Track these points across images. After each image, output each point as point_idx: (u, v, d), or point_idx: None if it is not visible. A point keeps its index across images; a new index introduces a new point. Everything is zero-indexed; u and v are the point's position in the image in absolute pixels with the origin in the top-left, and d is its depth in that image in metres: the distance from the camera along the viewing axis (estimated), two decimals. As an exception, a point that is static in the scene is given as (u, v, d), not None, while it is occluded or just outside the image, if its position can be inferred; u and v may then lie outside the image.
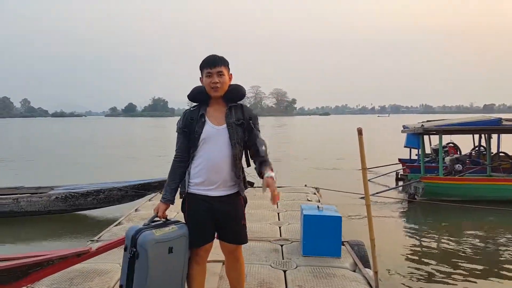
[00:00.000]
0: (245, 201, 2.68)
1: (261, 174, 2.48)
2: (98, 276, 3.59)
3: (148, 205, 6.71)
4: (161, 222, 2.51)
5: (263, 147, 2.56)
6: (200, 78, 2.60)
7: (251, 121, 2.60)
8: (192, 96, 2.65)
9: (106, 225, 5.64)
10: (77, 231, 7.24)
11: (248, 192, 7.67)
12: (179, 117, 2.65)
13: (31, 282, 2.78)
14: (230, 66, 2.62)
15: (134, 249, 2.34)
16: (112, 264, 3.91)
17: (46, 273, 2.73)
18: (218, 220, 2.55)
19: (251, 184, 2.91)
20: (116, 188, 7.88)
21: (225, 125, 2.53)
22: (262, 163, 2.51)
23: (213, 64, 2.52)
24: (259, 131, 2.63)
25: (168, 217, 2.58)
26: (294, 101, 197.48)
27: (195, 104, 2.64)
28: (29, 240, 6.86)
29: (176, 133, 2.61)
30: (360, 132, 3.20)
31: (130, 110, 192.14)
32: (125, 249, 2.41)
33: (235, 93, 2.63)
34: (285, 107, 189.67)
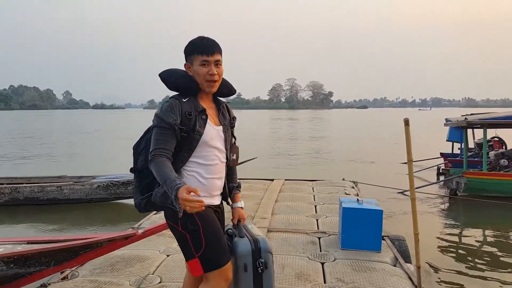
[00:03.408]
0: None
1: (230, 193, 2.30)
2: (138, 262, 3.67)
3: (186, 195, 6.77)
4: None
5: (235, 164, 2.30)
6: (187, 64, 2.11)
7: (235, 121, 2.30)
8: (177, 84, 2.10)
9: (145, 214, 5.75)
10: (118, 218, 7.44)
11: (285, 185, 7.68)
12: (161, 107, 2.06)
13: (82, 262, 2.94)
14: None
15: (262, 260, 2.10)
16: (152, 251, 3.99)
17: (95, 255, 2.86)
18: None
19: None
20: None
21: (221, 127, 2.16)
22: (235, 187, 2.33)
23: (211, 50, 2.05)
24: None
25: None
26: (330, 93, 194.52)
27: (176, 93, 2.13)
28: (72, 226, 7.11)
29: (157, 128, 1.99)
30: (406, 122, 3.10)
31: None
32: (246, 269, 2.09)
33: (226, 89, 2.23)
34: (321, 100, 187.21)
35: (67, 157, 16.95)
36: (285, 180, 7.87)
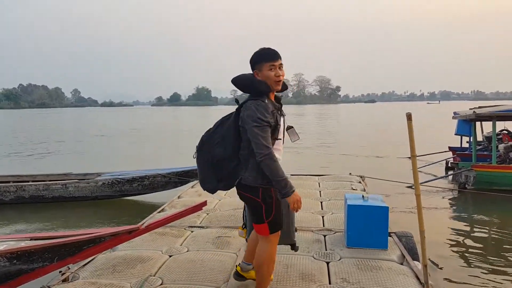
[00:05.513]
0: None
1: None
2: (140, 263, 3.60)
3: (191, 192, 6.73)
4: None
5: None
6: (255, 72, 2.64)
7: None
8: (252, 88, 2.64)
9: (150, 211, 5.70)
10: (122, 216, 7.42)
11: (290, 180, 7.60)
12: (255, 108, 2.53)
13: (85, 257, 2.92)
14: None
15: None
16: (155, 251, 3.92)
17: (98, 250, 2.83)
18: None
19: None
20: (160, 175, 8.00)
21: (282, 117, 2.73)
22: None
23: (275, 57, 2.61)
24: None
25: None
26: (338, 88, 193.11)
27: (244, 94, 2.76)
28: (78, 224, 7.10)
29: (261, 127, 2.50)
30: (409, 117, 2.99)
31: (174, 100, 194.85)
32: (288, 207, 2.77)
33: (283, 86, 2.75)
34: (328, 94, 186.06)
35: (73, 155, 17.01)
36: (291, 175, 7.77)
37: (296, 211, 2.66)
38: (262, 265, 2.75)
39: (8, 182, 8.40)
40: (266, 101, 2.58)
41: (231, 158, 2.66)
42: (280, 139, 2.68)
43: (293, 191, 2.55)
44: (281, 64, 2.63)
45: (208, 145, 2.71)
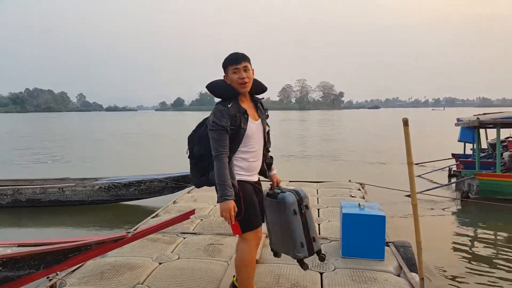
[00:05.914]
0: None
1: (267, 166, 2.95)
2: (129, 270, 3.50)
3: (186, 197, 6.63)
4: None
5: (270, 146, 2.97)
6: (224, 76, 2.72)
7: (267, 114, 2.89)
8: (220, 93, 2.72)
9: (146, 216, 5.59)
10: (118, 221, 7.34)
11: (288, 187, 7.55)
12: (213, 113, 2.63)
13: (71, 265, 2.90)
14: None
15: (304, 203, 2.80)
16: (145, 258, 3.82)
17: (84, 258, 2.81)
18: (260, 202, 2.79)
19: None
20: (157, 180, 7.92)
21: (259, 120, 2.76)
22: (269, 163, 2.98)
23: (238, 60, 2.65)
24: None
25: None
26: (341, 94, 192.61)
27: (220, 99, 2.73)
28: (73, 228, 7.04)
29: (215, 131, 2.58)
30: (405, 122, 2.89)
31: (178, 105, 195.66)
32: (295, 213, 2.74)
33: (258, 88, 2.81)
34: (332, 100, 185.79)
35: (75, 160, 16.96)
36: (289, 182, 7.67)
37: (228, 224, 2.60)
38: (240, 266, 2.77)
39: (6, 186, 8.34)
40: (230, 105, 2.62)
41: (206, 157, 2.73)
42: (240, 143, 2.67)
43: (226, 199, 2.50)
44: (245, 66, 2.65)
45: (190, 144, 2.83)
